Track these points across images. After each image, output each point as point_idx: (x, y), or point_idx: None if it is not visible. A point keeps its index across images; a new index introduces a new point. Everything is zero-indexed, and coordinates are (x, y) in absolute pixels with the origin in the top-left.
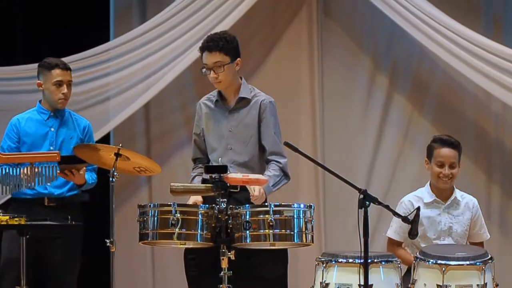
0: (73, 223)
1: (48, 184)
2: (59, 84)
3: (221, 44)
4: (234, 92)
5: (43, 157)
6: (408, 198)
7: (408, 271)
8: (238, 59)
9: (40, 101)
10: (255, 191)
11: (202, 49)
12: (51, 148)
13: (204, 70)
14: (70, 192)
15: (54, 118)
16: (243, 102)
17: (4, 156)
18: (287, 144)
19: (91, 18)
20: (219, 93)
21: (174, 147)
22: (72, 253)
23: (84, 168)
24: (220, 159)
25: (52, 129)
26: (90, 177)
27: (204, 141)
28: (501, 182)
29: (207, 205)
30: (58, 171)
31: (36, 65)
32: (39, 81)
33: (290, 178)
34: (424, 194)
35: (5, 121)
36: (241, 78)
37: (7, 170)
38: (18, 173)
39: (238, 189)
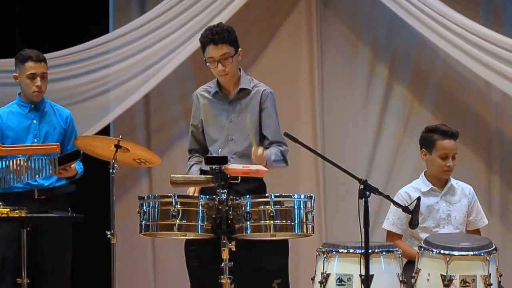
0: (74, 215)
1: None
2: (32, 76)
3: (226, 36)
4: (234, 83)
5: (43, 149)
6: (405, 190)
7: (409, 261)
8: (240, 49)
9: (19, 94)
10: (259, 149)
11: (207, 42)
12: (35, 140)
13: (208, 64)
14: (59, 182)
15: (35, 110)
16: (244, 92)
17: (4, 149)
18: (287, 135)
19: (91, 10)
20: (218, 84)
21: (174, 138)
22: (64, 244)
23: None
24: (220, 150)
25: (35, 121)
26: (78, 167)
27: (202, 132)
28: (501, 172)
29: (207, 196)
30: (55, 166)
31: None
32: (15, 74)
33: (288, 165)
34: (420, 184)
35: None
36: (240, 69)
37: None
38: (8, 166)
39: (239, 180)
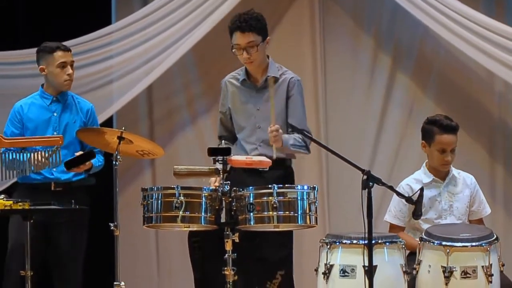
0: (77, 207)
1: (54, 169)
2: (63, 65)
3: (254, 23)
4: (262, 71)
5: (45, 141)
6: (406, 182)
7: (413, 252)
8: (268, 37)
9: (42, 86)
10: (272, 127)
11: (234, 29)
12: (55, 133)
13: (234, 50)
14: (76, 177)
15: (56, 102)
16: (271, 80)
17: (6, 141)
18: (291, 126)
19: (93, 2)
20: (246, 71)
21: (177, 129)
22: (78, 238)
23: None
24: (223, 141)
25: (55, 114)
26: (96, 160)
27: (231, 119)
28: (505, 161)
29: (210, 188)
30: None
31: (33, 49)
32: (41, 66)
33: (310, 152)
34: (422, 175)
35: (5, 105)
36: (268, 57)
37: (14, 156)
38: (25, 158)
39: (267, 168)
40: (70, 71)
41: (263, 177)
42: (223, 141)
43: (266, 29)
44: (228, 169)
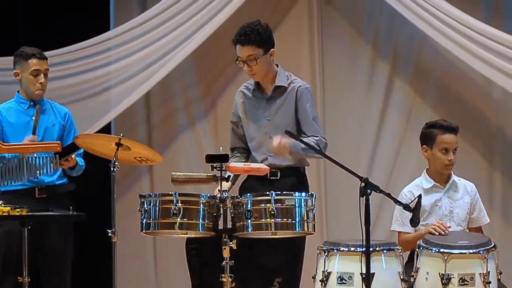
0: (75, 213)
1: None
2: (36, 73)
3: (253, 37)
4: (270, 80)
5: (44, 147)
6: (408, 189)
7: (410, 260)
8: (272, 49)
9: (18, 91)
10: (275, 141)
11: (235, 42)
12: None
13: (237, 62)
14: (59, 181)
15: (33, 107)
16: (280, 90)
17: (4, 147)
18: (287, 132)
19: (91, 8)
20: (256, 81)
21: (175, 135)
22: (65, 242)
23: None
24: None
25: (33, 118)
26: (79, 160)
27: (242, 128)
28: (503, 169)
29: (208, 195)
30: (56, 163)
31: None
32: (16, 70)
33: (324, 155)
34: (422, 181)
35: None
36: (277, 66)
37: (9, 163)
38: (21, 165)
39: (278, 176)
40: (42, 79)
41: (274, 186)
42: (235, 152)
43: (269, 41)
44: (226, 176)
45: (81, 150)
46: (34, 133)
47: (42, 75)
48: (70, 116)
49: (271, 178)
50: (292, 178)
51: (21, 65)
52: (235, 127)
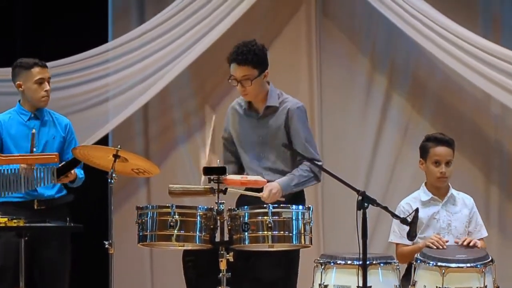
0: (72, 224)
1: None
2: (40, 82)
3: (250, 57)
4: (261, 99)
5: (42, 159)
6: (406, 201)
7: (407, 273)
8: (266, 71)
9: (19, 101)
10: (264, 193)
11: (231, 60)
12: (34, 149)
13: (230, 80)
14: (59, 194)
15: (34, 119)
16: (271, 109)
17: (3, 158)
18: (285, 146)
19: (90, 19)
20: (248, 100)
21: (173, 147)
22: (63, 254)
23: None
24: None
25: (34, 131)
26: (79, 172)
27: (233, 142)
28: (500, 183)
29: (205, 207)
30: (54, 179)
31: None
32: (18, 82)
33: (320, 181)
34: (421, 194)
35: None
36: (268, 83)
37: (6, 173)
38: (18, 176)
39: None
40: (47, 87)
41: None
42: (229, 167)
43: (264, 62)
44: (223, 188)
45: (82, 163)
46: (31, 152)
47: (46, 82)
48: (71, 127)
49: (279, 200)
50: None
51: (22, 75)
52: (226, 142)
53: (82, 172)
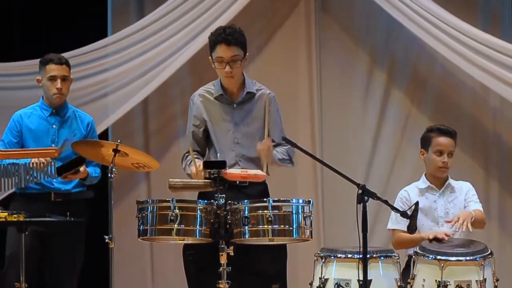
0: (72, 219)
1: (54, 180)
2: (52, 79)
3: (239, 38)
4: (238, 86)
5: (41, 153)
6: (404, 189)
7: (407, 266)
8: (247, 54)
9: (42, 97)
10: (264, 144)
11: (218, 42)
12: (53, 145)
13: (216, 63)
14: (75, 189)
15: (56, 115)
16: (248, 95)
17: (2, 153)
18: (285, 139)
19: (89, 14)
20: (222, 86)
21: (173, 141)
22: (73, 249)
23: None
24: (218, 155)
25: (54, 126)
26: (93, 171)
27: (204, 132)
28: (499, 177)
29: (205, 201)
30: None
31: (32, 61)
32: (38, 77)
33: (294, 165)
34: (419, 183)
35: (4, 117)
36: (242, 73)
37: (8, 167)
38: (20, 170)
39: (247, 182)
40: (58, 85)
41: (243, 193)
42: (194, 154)
43: (247, 45)
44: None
45: (86, 160)
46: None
47: (58, 80)
48: (93, 125)
49: (240, 184)
50: (261, 185)
51: (41, 71)
52: (196, 130)
53: (98, 170)
